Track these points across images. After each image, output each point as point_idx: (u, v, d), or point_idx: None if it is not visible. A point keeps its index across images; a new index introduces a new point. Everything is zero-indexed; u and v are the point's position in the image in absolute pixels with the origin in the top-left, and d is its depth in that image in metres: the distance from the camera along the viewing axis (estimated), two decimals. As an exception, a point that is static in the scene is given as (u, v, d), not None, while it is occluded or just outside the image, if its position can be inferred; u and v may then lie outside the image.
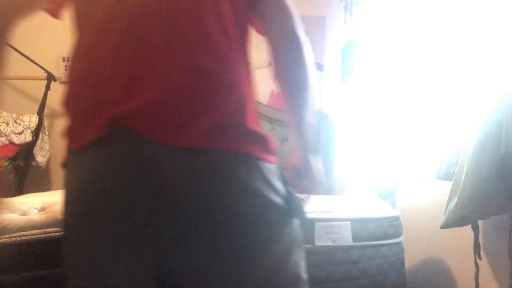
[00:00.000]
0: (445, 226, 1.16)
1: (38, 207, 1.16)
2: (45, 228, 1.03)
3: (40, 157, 3.00)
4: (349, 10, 2.91)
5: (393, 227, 1.40)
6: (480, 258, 1.15)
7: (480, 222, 1.18)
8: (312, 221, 1.27)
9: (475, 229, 1.16)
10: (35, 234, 1.01)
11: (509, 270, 1.05)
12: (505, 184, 0.96)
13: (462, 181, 1.08)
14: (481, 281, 1.18)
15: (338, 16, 3.26)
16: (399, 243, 1.41)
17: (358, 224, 1.32)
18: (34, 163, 2.99)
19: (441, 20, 1.69)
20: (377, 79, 2.12)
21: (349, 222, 1.31)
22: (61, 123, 3.43)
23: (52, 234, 1.02)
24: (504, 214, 1.08)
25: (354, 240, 1.30)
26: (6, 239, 0.98)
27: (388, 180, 1.92)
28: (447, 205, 1.18)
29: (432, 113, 1.77)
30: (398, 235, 1.41)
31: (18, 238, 1.00)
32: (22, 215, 1.10)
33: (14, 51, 3.02)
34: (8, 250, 0.98)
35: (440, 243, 1.47)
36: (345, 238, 1.29)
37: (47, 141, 3.08)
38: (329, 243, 1.27)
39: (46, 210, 1.13)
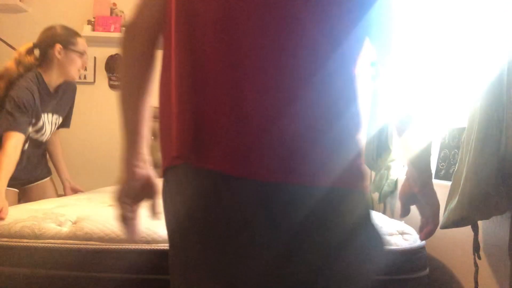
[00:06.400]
0: (444, 226, 1.16)
1: (73, 220, 1.35)
2: (64, 239, 1.26)
3: (40, 157, 2.97)
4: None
5: (409, 261, 1.19)
6: (479, 258, 1.15)
7: (480, 222, 1.18)
8: None
9: (475, 228, 1.16)
10: (52, 243, 1.25)
11: (509, 270, 1.05)
12: (505, 184, 0.96)
13: (462, 181, 1.08)
14: (481, 281, 1.18)
15: (338, 16, 3.25)
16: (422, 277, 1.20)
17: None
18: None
19: (444, 16, 1.69)
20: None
21: None
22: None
23: (64, 245, 1.24)
24: (504, 214, 1.08)
25: None
26: (36, 243, 1.24)
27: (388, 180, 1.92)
28: (446, 205, 1.18)
29: (432, 111, 1.77)
30: (416, 268, 1.20)
31: (42, 244, 1.25)
32: (58, 225, 1.31)
33: (14, 51, 3.02)
34: (33, 251, 1.23)
35: (439, 243, 1.47)
36: None
37: (47, 141, 3.05)
38: None
39: (77, 224, 1.32)
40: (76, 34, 1.94)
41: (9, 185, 1.75)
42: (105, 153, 3.28)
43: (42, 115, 1.89)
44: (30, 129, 1.86)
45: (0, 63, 3.24)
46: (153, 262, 1.21)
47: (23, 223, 1.30)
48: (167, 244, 1.21)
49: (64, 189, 2.22)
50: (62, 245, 1.24)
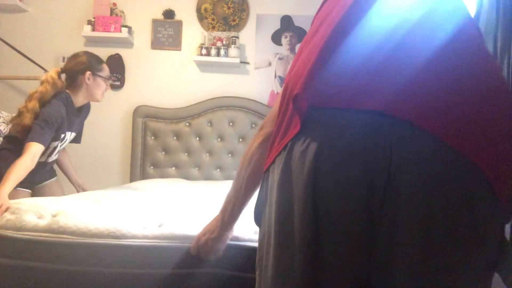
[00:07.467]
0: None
1: (53, 213, 1.37)
2: (41, 232, 1.29)
3: (40, 157, 2.98)
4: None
5: None
6: (480, 258, 1.15)
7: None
8: None
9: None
10: (30, 235, 1.29)
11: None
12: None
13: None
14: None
15: (338, 16, 3.24)
16: None
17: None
18: (33, 163, 2.94)
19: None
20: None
21: None
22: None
23: (41, 238, 1.28)
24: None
25: None
26: (17, 234, 1.29)
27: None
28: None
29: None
30: None
31: (21, 236, 1.30)
32: (38, 218, 1.34)
33: (14, 51, 3.02)
34: (14, 242, 1.28)
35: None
36: None
37: (47, 141, 3.05)
38: None
39: (56, 217, 1.34)
40: (101, 60, 2.17)
41: (24, 186, 2.07)
42: (106, 153, 3.28)
43: (66, 133, 2.09)
44: (59, 145, 2.08)
45: (0, 63, 3.25)
46: (119, 256, 1.24)
47: (7, 216, 1.35)
48: (137, 240, 1.24)
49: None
50: (39, 238, 1.28)
